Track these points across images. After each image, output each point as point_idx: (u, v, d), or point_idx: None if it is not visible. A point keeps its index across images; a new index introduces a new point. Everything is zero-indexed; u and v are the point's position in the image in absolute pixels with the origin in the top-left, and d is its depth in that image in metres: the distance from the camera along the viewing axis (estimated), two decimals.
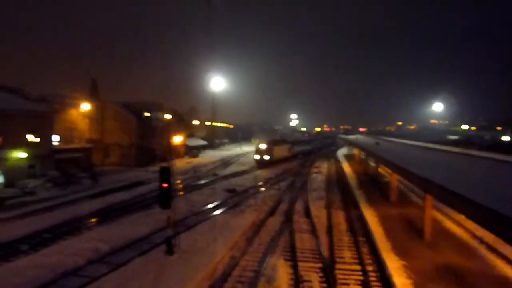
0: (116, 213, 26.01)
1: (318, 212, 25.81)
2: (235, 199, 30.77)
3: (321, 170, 52.58)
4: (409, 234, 19.85)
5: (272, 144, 57.55)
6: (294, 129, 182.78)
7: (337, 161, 66.93)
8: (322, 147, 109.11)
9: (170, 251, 16.74)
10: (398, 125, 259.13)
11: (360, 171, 46.92)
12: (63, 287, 13.83)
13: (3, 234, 20.11)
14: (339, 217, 24.86)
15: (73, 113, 57.18)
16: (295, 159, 67.07)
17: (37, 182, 32.97)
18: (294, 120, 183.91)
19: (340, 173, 49.41)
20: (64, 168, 37.65)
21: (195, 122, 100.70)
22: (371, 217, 23.32)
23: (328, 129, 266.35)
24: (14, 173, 32.23)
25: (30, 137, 34.57)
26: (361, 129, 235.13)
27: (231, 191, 34.26)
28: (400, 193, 30.23)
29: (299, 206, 27.92)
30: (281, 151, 60.68)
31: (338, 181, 41.83)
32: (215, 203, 28.85)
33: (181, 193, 33.22)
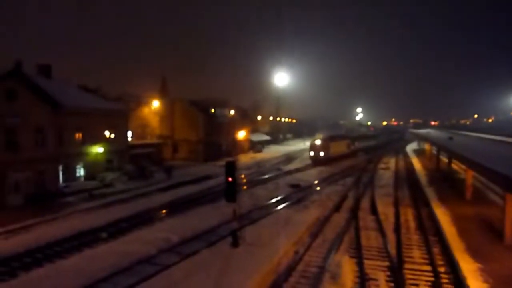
0: (185, 205, 27.27)
1: (386, 209, 24.97)
2: (299, 194, 30.77)
3: (389, 166, 50.65)
4: (486, 236, 18.49)
5: (328, 140, 53.63)
6: (359, 123, 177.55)
7: (407, 157, 64.02)
8: (388, 142, 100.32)
9: (235, 243, 17.22)
10: (474, 118, 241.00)
11: (431, 168, 44.46)
12: (138, 273, 14.84)
13: (86, 223, 22.04)
14: (408, 215, 23.83)
15: (145, 111, 60.73)
16: (356, 156, 62.59)
17: (114, 175, 35.58)
18: (359, 114, 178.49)
19: (410, 169, 47.23)
20: (138, 162, 40.18)
21: (259, 118, 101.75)
22: (443, 215, 22.06)
23: (395, 123, 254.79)
24: (93, 167, 35.08)
25: (108, 134, 37.32)
26: (432, 123, 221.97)
27: (295, 186, 34.28)
28: (476, 191, 28.22)
29: (365, 203, 27.21)
30: (339, 147, 56.24)
31: (407, 178, 40.05)
32: (279, 198, 29.08)
33: (246, 187, 33.90)
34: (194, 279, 13.74)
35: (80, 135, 34.15)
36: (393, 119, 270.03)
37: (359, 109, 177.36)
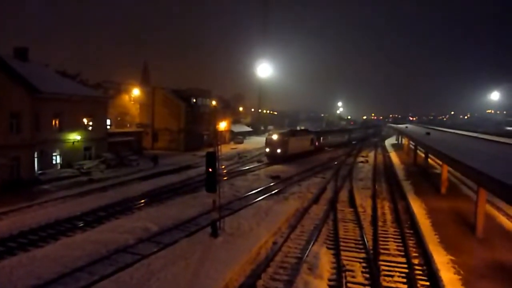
0: (165, 195, 27.09)
1: (363, 202, 25.41)
2: (278, 186, 30.96)
3: (368, 159, 51.46)
4: (459, 228, 19.06)
5: (287, 135, 47.87)
6: (340, 116, 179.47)
7: (385, 151, 65.14)
8: (363, 138, 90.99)
9: (215, 233, 17.24)
10: (451, 115, 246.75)
11: (408, 162, 45.40)
12: (116, 262, 14.70)
13: (63, 211, 21.64)
14: (385, 208, 24.32)
15: (125, 99, 59.74)
16: (322, 152, 57.21)
17: (92, 164, 34.97)
18: (340, 108, 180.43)
19: (388, 163, 48.10)
20: (116, 151, 39.59)
21: (241, 109, 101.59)
22: (418, 208, 22.61)
23: (375, 118, 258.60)
24: (71, 155, 34.38)
25: (86, 121, 36.56)
26: (411, 118, 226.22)
27: (275, 177, 34.47)
28: (451, 186, 28.99)
29: (343, 195, 27.62)
30: (300, 144, 49.92)
31: (385, 171, 40.80)
32: (259, 189, 29.19)
33: (226, 178, 33.89)
34: (172, 268, 13.71)
35: (57, 121, 33.39)
36: (373, 114, 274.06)
37: (340, 103, 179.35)
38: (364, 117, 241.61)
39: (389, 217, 22.23)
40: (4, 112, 27.20)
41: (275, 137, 45.75)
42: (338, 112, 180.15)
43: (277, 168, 40.86)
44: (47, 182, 29.33)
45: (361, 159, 51.84)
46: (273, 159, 44.78)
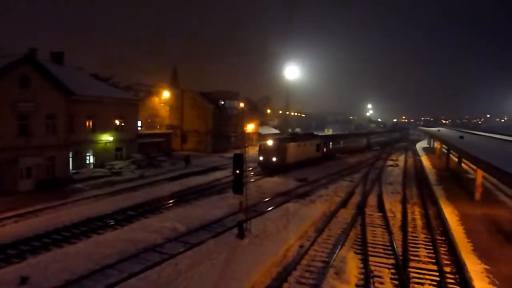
0: (193, 195, 27.44)
1: (393, 207, 24.86)
2: (305, 188, 30.75)
3: (399, 163, 50.33)
4: (495, 237, 18.31)
5: (285, 141, 40.12)
6: (369, 119, 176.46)
7: (416, 155, 63.53)
8: (387, 142, 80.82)
9: (241, 235, 17.30)
10: (486, 118, 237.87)
11: (440, 166, 44.08)
12: (145, 261, 15.02)
13: (95, 209, 22.30)
14: (416, 213, 23.70)
15: (155, 101, 61.00)
16: (331, 160, 49.40)
17: (123, 164, 35.87)
18: (370, 110, 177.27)
19: (419, 167, 46.89)
20: (146, 151, 40.43)
21: (268, 111, 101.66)
22: (451, 215, 21.89)
23: (406, 120, 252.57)
24: (103, 155, 35.40)
25: (118, 122, 37.55)
26: (444, 121, 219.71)
27: (302, 180, 34.24)
28: (486, 192, 27.92)
29: (372, 200, 27.11)
30: (302, 150, 41.78)
31: (416, 176, 39.78)
32: (286, 191, 29.07)
33: (253, 179, 33.95)
34: (199, 268, 13.85)
35: (91, 123, 34.44)
36: (404, 117, 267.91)
37: (369, 105, 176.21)
38: (395, 120, 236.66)
39: (419, 222, 21.65)
40: (41, 113, 28.34)
41: (270, 143, 38.30)
42: (367, 114, 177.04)
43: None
44: (80, 181, 30.33)
45: (390, 162, 50.76)
46: (267, 170, 37.30)
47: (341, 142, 57.02)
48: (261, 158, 38.30)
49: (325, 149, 48.47)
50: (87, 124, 34.19)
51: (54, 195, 25.45)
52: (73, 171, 31.58)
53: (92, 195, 26.22)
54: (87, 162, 34.42)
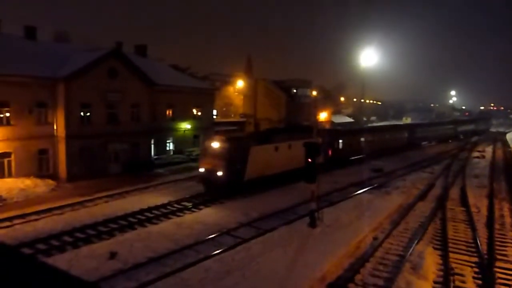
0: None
1: (478, 201, 23.07)
2: (381, 180, 29.69)
3: (485, 155, 46.39)
4: None
5: (244, 141, 25.06)
6: (453, 107, 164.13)
7: (507, 146, 58.03)
8: (450, 137, 64.58)
9: (313, 224, 17.30)
10: None
11: None
12: (219, 244, 15.73)
13: (175, 193, 23.71)
14: (504, 209, 21.77)
15: (229, 90, 62.67)
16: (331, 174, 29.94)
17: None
18: (453, 97, 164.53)
19: (509, 159, 42.79)
20: None
21: (342, 99, 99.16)
22: None
23: (494, 108, 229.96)
24: (182, 142, 37.34)
25: (195, 111, 39.26)
26: None
27: (378, 170, 33.09)
28: None
29: (454, 193, 25.40)
30: (281, 156, 26.34)
31: (505, 169, 36.39)
32: (360, 182, 28.34)
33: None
34: (271, 254, 14.15)
35: (171, 111, 36.41)
36: (492, 104, 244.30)
37: (452, 92, 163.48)
38: (482, 108, 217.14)
39: (508, 219, 19.87)
40: (127, 103, 30.65)
41: (216, 145, 23.70)
42: (450, 102, 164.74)
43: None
44: (161, 166, 32.40)
45: (476, 154, 46.94)
46: (211, 190, 23.25)
47: (361, 139, 39.28)
48: (202, 169, 23.77)
49: (330, 152, 32.35)
50: (168, 112, 36.21)
51: (139, 179, 27.51)
52: (155, 156, 33.79)
53: (172, 180, 27.89)
54: (167, 148, 36.56)
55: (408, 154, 44.37)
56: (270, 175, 25.18)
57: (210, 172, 23.04)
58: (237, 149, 23.37)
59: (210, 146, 24.02)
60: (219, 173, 22.60)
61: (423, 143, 56.19)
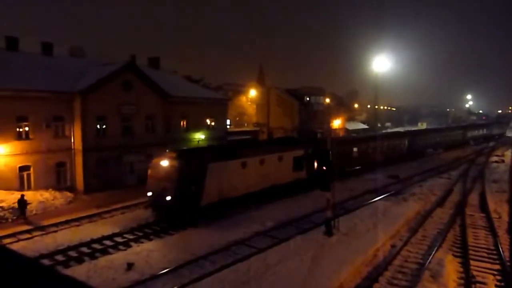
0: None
1: (498, 207, 22.54)
2: (397, 186, 29.30)
3: (505, 159, 45.40)
4: None
5: (199, 158, 21.27)
6: (469, 111, 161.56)
7: None
8: (450, 143, 57.75)
9: (329, 232, 17.12)
10: None
11: None
12: (234, 254, 15.70)
13: None
14: None
15: (242, 99, 62.97)
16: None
17: None
18: (469, 101, 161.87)
19: None
20: None
21: (356, 106, 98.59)
22: None
23: None
24: None
25: (209, 121, 39.51)
26: None
27: (394, 177, 32.69)
28: None
29: (473, 198, 24.88)
30: (252, 174, 22.96)
31: None
32: (375, 189, 28.01)
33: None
34: (287, 264, 14.04)
35: (185, 122, 36.68)
36: (511, 107, 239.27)
37: (468, 96, 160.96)
38: (499, 111, 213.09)
39: None
40: (141, 115, 31.03)
41: (164, 163, 20.25)
42: (467, 106, 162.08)
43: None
44: None
45: (495, 158, 45.97)
46: (162, 216, 19.87)
47: (355, 149, 36.15)
48: (149, 193, 20.24)
49: (315, 164, 26.82)
50: (182, 123, 36.49)
51: None
52: None
53: None
54: None
55: (407, 165, 40.00)
56: (237, 197, 21.64)
57: (158, 197, 19.45)
58: (191, 167, 19.83)
59: (158, 165, 20.37)
60: (168, 198, 18.96)
61: (429, 150, 51.47)
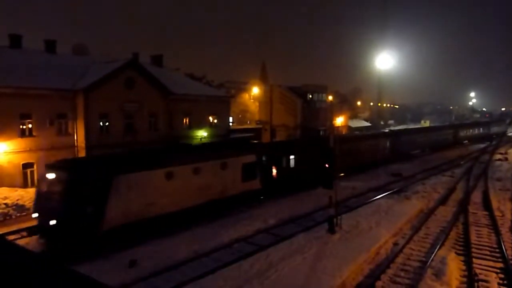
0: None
1: (502, 205, 22.47)
2: (400, 184, 29.26)
3: (508, 157, 45.23)
4: None
5: (102, 168, 16.12)
6: (472, 108, 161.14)
7: None
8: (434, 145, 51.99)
9: (332, 230, 17.13)
10: None
11: None
12: (236, 251, 15.73)
13: None
14: None
15: (245, 97, 62.98)
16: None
17: None
18: (473, 99, 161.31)
19: None
20: None
21: (359, 103, 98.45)
22: None
23: None
24: None
25: (211, 119, 39.53)
26: None
27: (396, 175, 32.64)
28: None
29: (476, 196, 24.82)
30: (186, 186, 18.42)
31: None
32: (378, 187, 28.00)
33: (343, 174, 33.15)
34: (290, 262, 14.05)
35: (187, 120, 36.73)
36: None
37: (472, 94, 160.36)
38: (503, 109, 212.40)
39: None
40: (144, 112, 31.08)
41: (51, 176, 15.46)
42: (470, 103, 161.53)
43: None
44: None
45: (498, 156, 45.80)
46: (53, 243, 15.24)
47: (292, 156, 26.35)
48: (35, 214, 15.85)
49: (275, 173, 24.39)
50: (184, 121, 36.54)
51: None
52: None
53: None
54: None
55: (390, 168, 36.52)
56: (160, 216, 17.07)
57: (46, 218, 14.77)
58: (87, 181, 15.17)
59: (45, 179, 15.67)
60: (52, 222, 14.39)
61: (415, 152, 47.28)
